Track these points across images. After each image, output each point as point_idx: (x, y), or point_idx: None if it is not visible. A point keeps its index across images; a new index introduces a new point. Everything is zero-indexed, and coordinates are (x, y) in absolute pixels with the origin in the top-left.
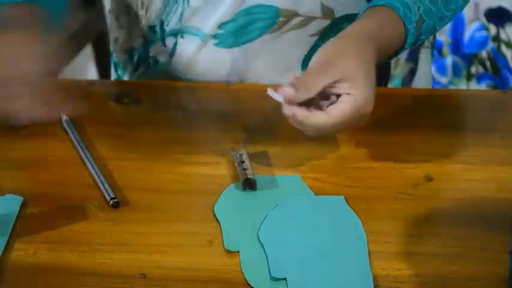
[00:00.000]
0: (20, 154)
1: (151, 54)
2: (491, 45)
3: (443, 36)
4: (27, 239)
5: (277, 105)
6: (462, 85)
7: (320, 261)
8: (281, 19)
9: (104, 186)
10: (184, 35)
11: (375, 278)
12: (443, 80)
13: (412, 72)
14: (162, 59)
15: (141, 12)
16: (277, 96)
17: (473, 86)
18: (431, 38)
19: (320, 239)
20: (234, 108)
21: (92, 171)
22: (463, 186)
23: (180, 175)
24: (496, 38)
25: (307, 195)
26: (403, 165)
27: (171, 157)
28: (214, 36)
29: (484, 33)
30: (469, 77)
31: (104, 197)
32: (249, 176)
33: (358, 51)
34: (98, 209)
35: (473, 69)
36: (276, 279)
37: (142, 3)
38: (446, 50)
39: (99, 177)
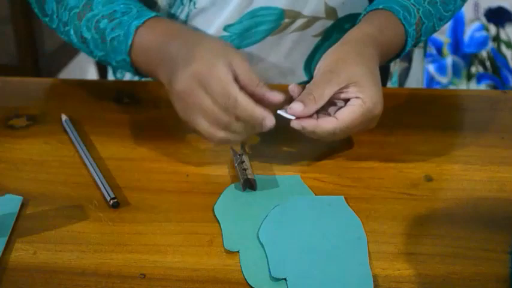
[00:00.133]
0: (20, 154)
1: None
2: (491, 45)
3: (443, 36)
4: (27, 239)
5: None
6: (462, 85)
7: (320, 262)
8: (286, 20)
9: (104, 186)
10: None
11: (375, 278)
12: (443, 80)
13: (406, 71)
14: None
15: None
16: (289, 115)
17: (473, 86)
18: None
19: (320, 239)
20: None
21: (92, 171)
22: (463, 186)
23: (180, 175)
24: (496, 38)
25: (307, 195)
26: (403, 165)
27: (171, 157)
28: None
29: (484, 33)
30: (469, 77)
31: (104, 197)
32: (249, 176)
33: (361, 55)
34: (98, 209)
35: (473, 69)
36: (276, 279)
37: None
38: (446, 50)
39: (99, 177)
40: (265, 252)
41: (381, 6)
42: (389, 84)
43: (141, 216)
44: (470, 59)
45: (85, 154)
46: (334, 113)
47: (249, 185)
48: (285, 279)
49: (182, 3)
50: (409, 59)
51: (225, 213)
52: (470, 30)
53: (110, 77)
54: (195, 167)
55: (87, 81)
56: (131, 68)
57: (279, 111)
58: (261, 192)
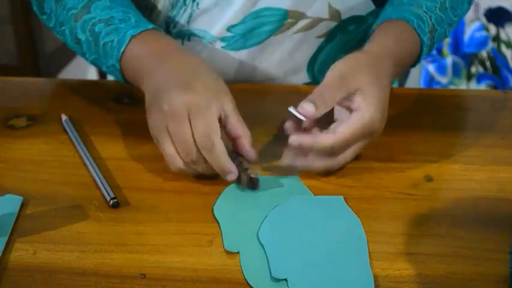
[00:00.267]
0: (20, 154)
1: None
2: (491, 45)
3: None
4: (27, 239)
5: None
6: (462, 85)
7: (321, 262)
8: (289, 21)
9: (104, 186)
10: (191, 37)
11: (375, 278)
12: (443, 80)
13: (407, 73)
14: None
15: (145, 14)
16: (299, 115)
17: (473, 86)
18: None
19: (320, 239)
20: None
21: (92, 171)
22: (463, 186)
23: (180, 175)
24: (496, 38)
25: (306, 195)
26: (403, 165)
27: None
28: (222, 39)
29: (484, 33)
30: (469, 77)
31: (104, 197)
32: (252, 176)
33: (374, 68)
34: (98, 209)
35: (473, 69)
36: (277, 280)
37: (146, 6)
38: (446, 50)
39: (99, 177)
40: (266, 253)
41: (394, 16)
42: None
43: (141, 216)
44: (470, 59)
45: (85, 154)
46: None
47: (253, 184)
48: (285, 279)
49: (185, 4)
50: None
51: (225, 214)
52: (470, 30)
53: (110, 77)
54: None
55: (87, 81)
56: (120, 75)
57: (290, 109)
58: (261, 192)
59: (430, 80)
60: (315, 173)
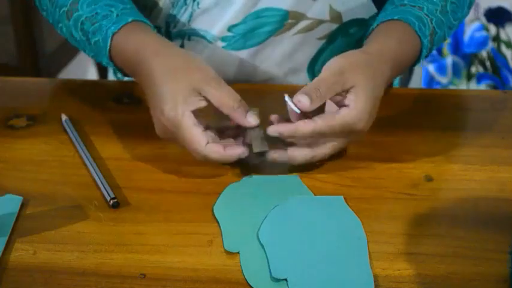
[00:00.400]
0: (20, 154)
1: None
2: (491, 45)
3: None
4: (27, 239)
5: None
6: (462, 85)
7: (321, 262)
8: (289, 21)
9: (104, 186)
10: (192, 37)
11: (375, 278)
12: (443, 80)
13: (409, 73)
14: None
15: (145, 13)
16: (294, 107)
17: (473, 86)
18: None
19: (320, 240)
20: None
21: (92, 171)
22: (463, 186)
23: (180, 175)
24: (496, 38)
25: (306, 195)
26: (403, 165)
27: (171, 157)
28: (223, 39)
29: (484, 33)
30: (469, 77)
31: (104, 197)
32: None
33: (373, 69)
34: (98, 209)
35: (473, 69)
36: (277, 280)
37: (146, 6)
38: (446, 50)
39: (99, 177)
40: (266, 253)
41: (396, 17)
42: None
43: (141, 216)
44: (470, 59)
45: (85, 154)
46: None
47: (262, 147)
48: (285, 279)
49: (185, 3)
50: None
51: (225, 214)
52: (470, 30)
53: (111, 76)
54: (195, 167)
55: (87, 81)
56: (118, 71)
57: (285, 98)
58: (260, 192)
59: (430, 80)
60: (315, 173)
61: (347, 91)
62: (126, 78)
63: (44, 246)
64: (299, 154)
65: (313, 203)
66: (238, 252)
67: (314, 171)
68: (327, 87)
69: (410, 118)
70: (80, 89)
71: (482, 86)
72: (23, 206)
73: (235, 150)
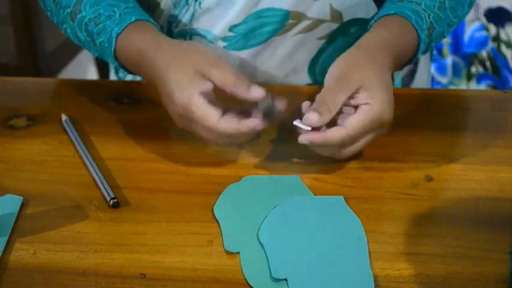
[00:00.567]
0: (20, 154)
1: None
2: (491, 45)
3: None
4: (27, 239)
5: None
6: (462, 85)
7: (321, 262)
8: (290, 21)
9: (104, 186)
10: (193, 37)
11: (375, 278)
12: (443, 80)
13: (411, 74)
14: None
15: (148, 13)
16: (304, 126)
17: (473, 86)
18: None
19: (320, 240)
20: None
21: (92, 171)
22: (463, 186)
23: (180, 175)
24: (496, 38)
25: (306, 195)
26: (403, 165)
27: (171, 157)
28: (224, 39)
29: (484, 33)
30: (469, 77)
31: (104, 197)
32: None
33: (372, 61)
34: (98, 209)
35: (473, 69)
36: (277, 280)
37: (150, 5)
38: (446, 50)
39: (99, 177)
40: (266, 253)
41: (392, 12)
42: None
43: (141, 216)
44: (470, 59)
45: (85, 154)
46: (343, 121)
47: (269, 110)
48: (285, 279)
49: (187, 3)
50: (415, 61)
51: (225, 214)
52: (470, 30)
53: (112, 76)
54: (195, 167)
55: (87, 81)
56: (124, 70)
57: (294, 122)
58: (260, 192)
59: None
60: (315, 173)
61: (357, 92)
62: (127, 78)
63: (44, 246)
64: (328, 152)
65: (313, 203)
66: (238, 252)
67: (314, 171)
68: (333, 98)
69: (410, 118)
70: (80, 89)
71: (482, 86)
72: (23, 206)
73: (250, 122)
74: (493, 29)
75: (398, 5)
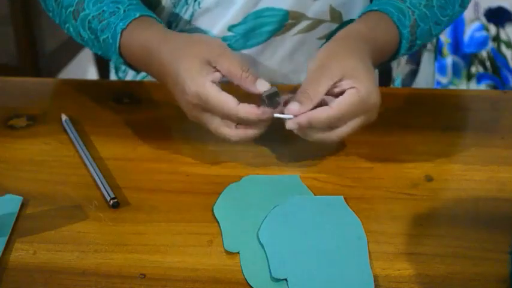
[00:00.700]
0: (20, 154)
1: None
2: (491, 45)
3: (443, 36)
4: (27, 239)
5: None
6: (462, 85)
7: (321, 262)
8: (289, 21)
9: (104, 186)
10: None
11: (375, 278)
12: (443, 80)
13: (413, 74)
14: None
15: None
16: (286, 116)
17: (473, 86)
18: (434, 40)
19: (320, 239)
20: None
21: (92, 171)
22: (463, 186)
23: (180, 175)
24: (496, 38)
25: (306, 195)
26: (403, 165)
27: (171, 157)
28: (223, 39)
29: (484, 33)
30: (469, 77)
31: (104, 197)
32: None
33: (351, 49)
34: (98, 209)
35: (473, 69)
36: (277, 280)
37: (151, 4)
38: (446, 50)
39: (99, 177)
40: (266, 253)
41: (375, 8)
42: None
43: (141, 216)
44: (470, 59)
45: (85, 154)
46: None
47: (272, 95)
48: (285, 279)
49: (187, 3)
50: (417, 61)
51: (225, 214)
52: (470, 30)
53: (112, 76)
54: (195, 167)
55: (87, 81)
56: (129, 67)
57: (275, 115)
58: (260, 192)
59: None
60: (315, 173)
61: (340, 81)
62: (127, 78)
63: (44, 246)
64: (316, 134)
65: (313, 203)
66: (238, 252)
67: (314, 171)
68: (314, 87)
69: (410, 118)
70: (80, 89)
71: (482, 86)
72: (23, 206)
73: (271, 110)
74: (493, 29)
75: (383, 2)
